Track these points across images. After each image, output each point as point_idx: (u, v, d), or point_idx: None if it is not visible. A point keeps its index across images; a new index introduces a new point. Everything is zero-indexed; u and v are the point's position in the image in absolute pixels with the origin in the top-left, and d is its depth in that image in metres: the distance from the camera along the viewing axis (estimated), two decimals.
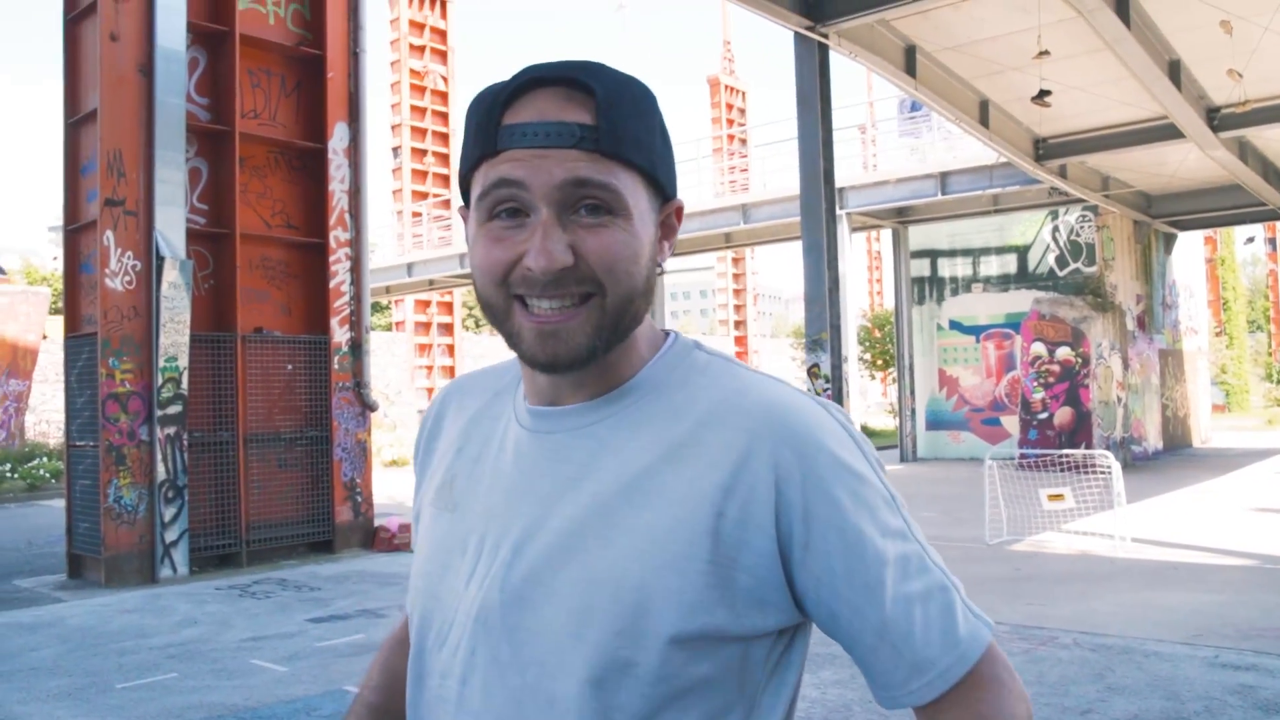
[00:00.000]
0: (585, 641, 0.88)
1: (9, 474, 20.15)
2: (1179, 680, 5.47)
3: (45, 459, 21.53)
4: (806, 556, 0.89)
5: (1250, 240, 48.63)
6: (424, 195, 34.62)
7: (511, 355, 1.00)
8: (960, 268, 22.43)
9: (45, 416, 27.14)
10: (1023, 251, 21.54)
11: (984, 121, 15.47)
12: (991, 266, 22.02)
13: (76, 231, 10.15)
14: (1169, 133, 15.63)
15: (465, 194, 0.97)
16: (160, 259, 9.56)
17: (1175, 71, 13.50)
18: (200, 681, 5.84)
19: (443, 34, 35.77)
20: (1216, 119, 15.25)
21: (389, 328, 39.73)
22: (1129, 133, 16.41)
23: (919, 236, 22.99)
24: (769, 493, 0.89)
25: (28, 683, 5.96)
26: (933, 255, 22.81)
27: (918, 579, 0.92)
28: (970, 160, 20.17)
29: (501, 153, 0.90)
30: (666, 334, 1.02)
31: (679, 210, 0.99)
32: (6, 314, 24.15)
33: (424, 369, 35.03)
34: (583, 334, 0.90)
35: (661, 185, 0.95)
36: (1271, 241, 55.58)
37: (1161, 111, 14.64)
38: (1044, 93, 12.27)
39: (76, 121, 10.15)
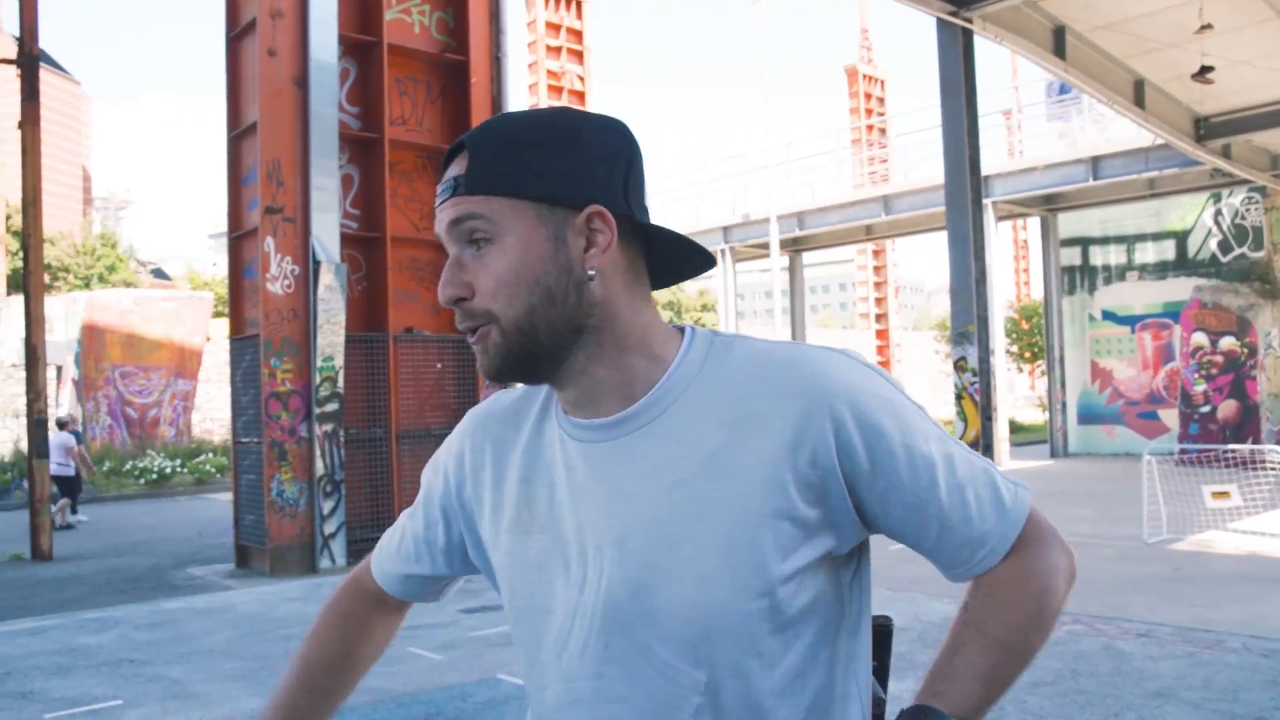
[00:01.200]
0: (713, 603, 1.00)
1: (179, 469, 21.36)
2: None
3: (210, 455, 22.75)
4: (874, 482, 1.03)
5: None
6: None
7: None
8: (1114, 255, 21.55)
9: (209, 414, 28.63)
10: (1182, 237, 20.56)
11: (1139, 102, 14.83)
12: (1148, 253, 21.08)
13: (239, 239, 10.69)
14: None
15: None
16: (317, 263, 9.99)
17: None
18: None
19: (578, 34, 36.25)
20: None
21: None
22: None
23: (1069, 224, 22.18)
24: (829, 440, 1.01)
25: (206, 664, 6.32)
26: (1084, 243, 21.98)
27: (962, 469, 1.06)
28: (1124, 143, 19.35)
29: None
30: (681, 329, 1.12)
31: (598, 213, 1.03)
32: (174, 319, 25.57)
33: None
34: (493, 346, 1.04)
35: (560, 200, 1.03)
36: None
37: None
38: (1206, 69, 11.71)
39: (238, 134, 10.69)
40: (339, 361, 10.14)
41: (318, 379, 10.00)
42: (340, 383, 10.15)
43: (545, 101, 35.13)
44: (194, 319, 26.05)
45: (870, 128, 37.14)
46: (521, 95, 36.08)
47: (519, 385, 1.19)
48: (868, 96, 40.45)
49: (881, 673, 1.69)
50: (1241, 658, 5.78)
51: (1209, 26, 11.45)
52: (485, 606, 7.84)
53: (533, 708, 1.14)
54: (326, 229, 10.15)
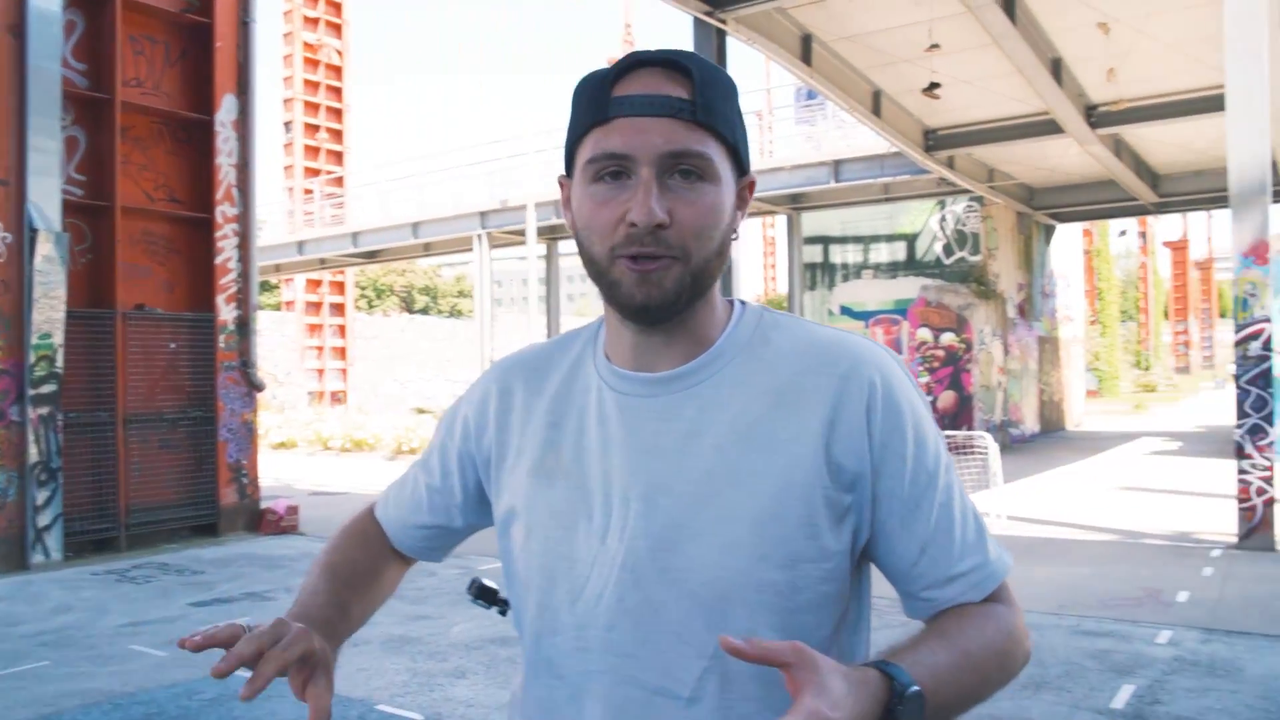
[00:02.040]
0: (733, 569, 1.01)
1: None
2: (1044, 647, 5.74)
3: None
4: (878, 480, 1.04)
5: (1123, 233, 50.75)
6: (316, 172, 33.86)
7: (536, 340, 1.14)
8: (851, 254, 22.90)
9: None
10: (911, 240, 22.09)
11: (876, 111, 15.80)
12: (881, 254, 22.53)
13: None
14: (1050, 128, 16.19)
15: (569, 163, 1.09)
16: (34, 231, 9.17)
17: (1057, 69, 14.00)
18: (75, 669, 5.66)
19: (338, 6, 34.99)
20: (1094, 116, 15.85)
21: (278, 307, 38.82)
22: (1013, 126, 16.94)
23: (812, 223, 23.39)
24: (862, 425, 1.03)
25: None
26: (825, 242, 23.23)
27: (958, 503, 1.07)
28: (863, 149, 20.57)
29: (612, 120, 1.02)
30: (732, 302, 1.15)
31: (751, 185, 1.11)
32: None
33: (314, 349, 34.34)
34: (672, 280, 1.02)
35: (742, 160, 1.08)
36: (1142, 235, 58.10)
37: (1044, 107, 15.16)
38: (934, 85, 12.62)
39: None
40: (58, 339, 9.35)
41: (32, 358, 9.19)
42: (59, 362, 9.37)
43: (300, 79, 33.66)
44: None
45: None
46: (274, 65, 34.47)
47: (537, 343, 1.24)
48: None
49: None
50: None
51: (937, 46, 12.35)
52: (217, 599, 7.48)
53: (536, 649, 1.11)
54: (46, 195, 9.32)
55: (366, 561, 1.29)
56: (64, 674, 5.55)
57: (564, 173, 1.12)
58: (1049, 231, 24.60)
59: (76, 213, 9.87)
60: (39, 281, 9.17)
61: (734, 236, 1.08)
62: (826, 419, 1.03)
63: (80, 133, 10.06)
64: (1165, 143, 18.53)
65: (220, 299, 10.89)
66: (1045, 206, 22.92)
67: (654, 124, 1.01)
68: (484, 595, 1.94)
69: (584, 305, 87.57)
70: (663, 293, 1.02)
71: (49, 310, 9.27)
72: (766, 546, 1.01)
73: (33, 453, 9.20)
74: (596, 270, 1.06)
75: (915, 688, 0.92)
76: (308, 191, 33.51)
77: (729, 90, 1.06)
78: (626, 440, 1.07)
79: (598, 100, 1.04)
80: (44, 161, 9.31)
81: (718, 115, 1.03)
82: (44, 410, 9.27)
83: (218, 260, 10.88)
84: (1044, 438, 23.26)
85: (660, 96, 1.02)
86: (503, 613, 1.94)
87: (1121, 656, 5.54)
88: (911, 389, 1.08)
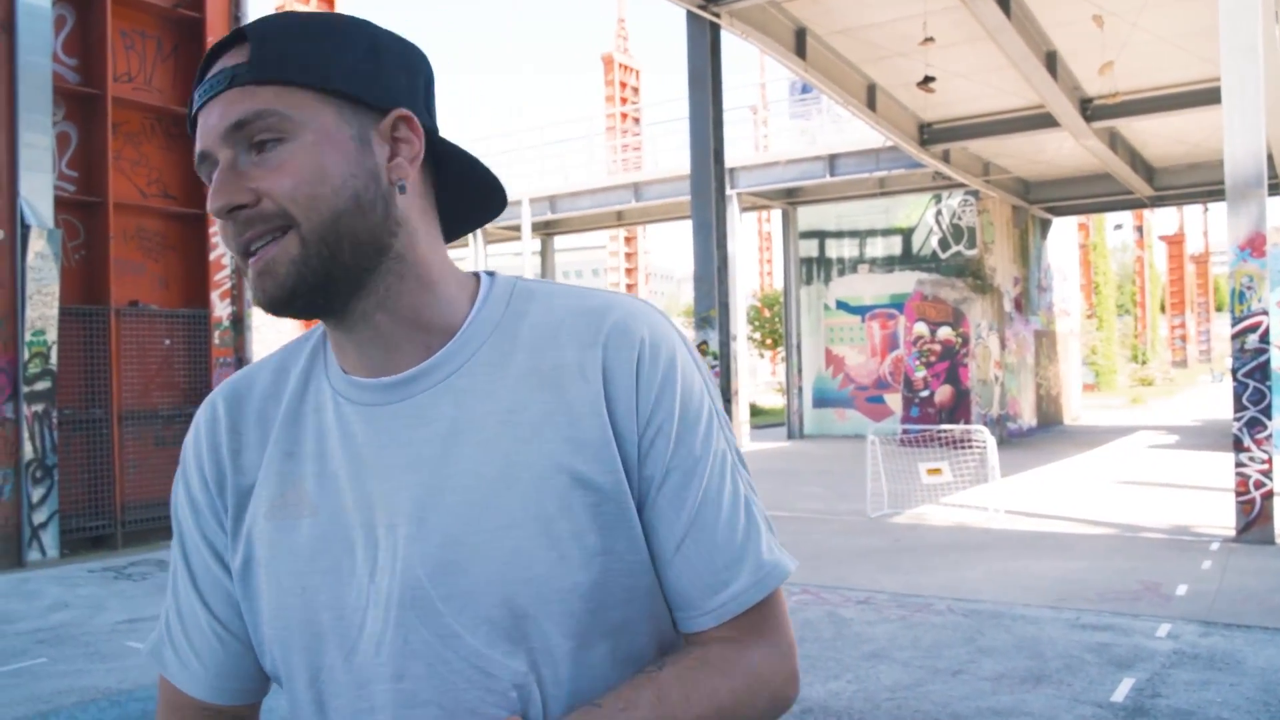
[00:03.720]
0: (529, 582, 0.87)
1: None
2: (1043, 641, 5.73)
3: None
4: (642, 462, 0.92)
5: (1119, 227, 50.80)
6: None
7: (276, 346, 0.96)
8: (847, 249, 22.90)
9: None
10: (907, 234, 22.09)
11: (871, 105, 15.79)
12: (877, 248, 22.53)
13: None
14: (1046, 121, 16.19)
15: None
16: (26, 227, 9.13)
17: (1052, 62, 13.98)
18: (72, 665, 5.64)
19: (330, 3, 34.86)
20: (1089, 109, 15.84)
21: None
22: (1009, 120, 16.94)
23: (808, 217, 23.38)
24: (630, 398, 0.91)
25: None
26: (821, 236, 23.22)
27: (729, 494, 0.94)
28: (858, 143, 20.56)
29: (196, 120, 0.91)
30: (477, 275, 1.00)
31: (405, 118, 0.91)
32: None
33: None
34: (286, 265, 0.87)
35: (362, 100, 0.90)
36: (1139, 229, 58.18)
37: (1039, 101, 15.14)
38: (928, 79, 12.59)
39: None
40: (51, 336, 9.32)
41: (26, 355, 9.16)
42: (53, 359, 9.33)
43: None
44: None
45: (624, 115, 37.79)
46: None
47: (258, 359, 1.03)
48: (623, 85, 41.15)
49: None
50: (945, 618, 6.30)
51: (931, 39, 12.32)
52: None
53: (318, 713, 0.93)
54: (38, 191, 9.28)
55: None
56: (61, 671, 5.52)
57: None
58: (1045, 225, 24.60)
59: (69, 209, 9.83)
60: (32, 278, 9.13)
61: (399, 184, 0.91)
62: (597, 393, 0.90)
63: (72, 128, 10.02)
64: (1161, 136, 18.53)
65: (215, 295, 10.85)
66: (1041, 200, 22.92)
67: (215, 105, 0.88)
68: None
69: None
70: (278, 279, 0.87)
71: (42, 307, 9.23)
72: (562, 547, 0.88)
73: (28, 450, 9.16)
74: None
75: None
76: None
77: (316, 29, 0.89)
78: (380, 457, 0.91)
79: (189, 105, 0.93)
80: (35, 157, 9.27)
81: (288, 63, 0.87)
82: (39, 407, 9.23)
83: (212, 256, 10.84)
84: (1041, 432, 23.28)
85: (213, 77, 0.89)
86: None
87: (1121, 650, 5.53)
88: (688, 359, 0.95)
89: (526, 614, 0.88)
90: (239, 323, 11.08)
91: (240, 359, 11.02)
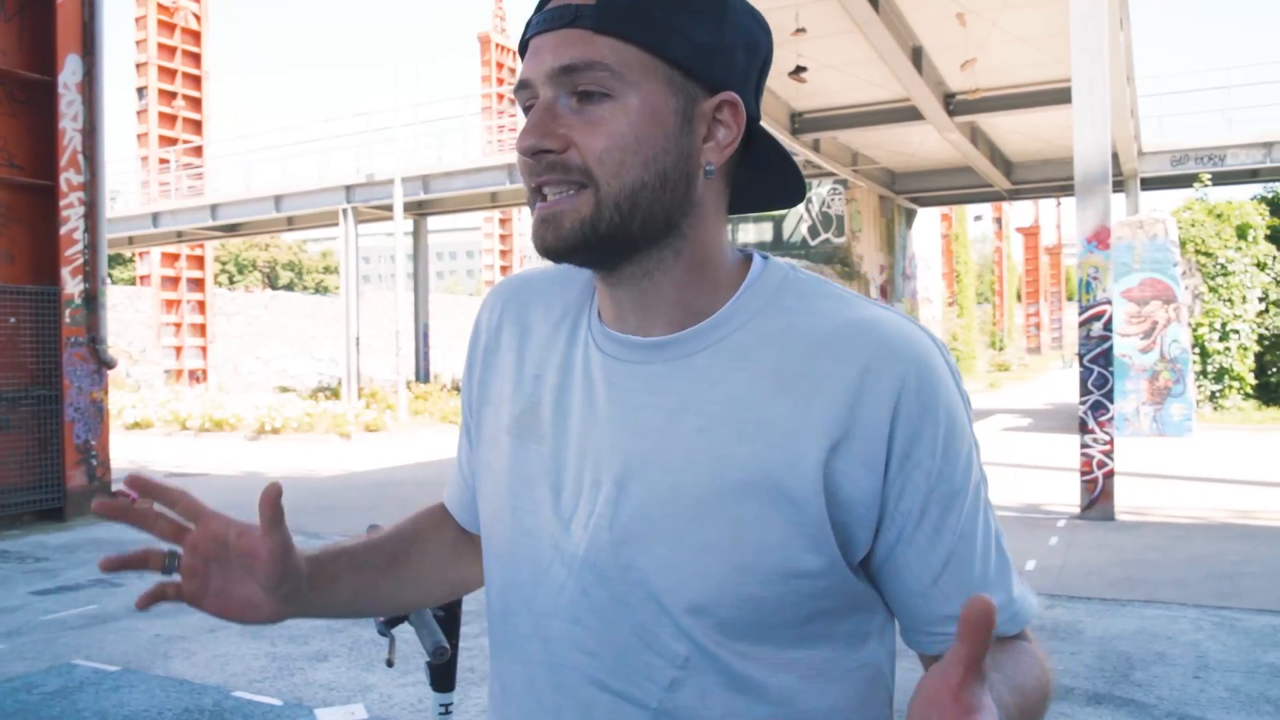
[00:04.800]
0: (706, 578, 0.87)
1: None
2: None
3: None
4: (893, 496, 0.88)
5: (979, 219, 52.80)
6: (173, 141, 32.41)
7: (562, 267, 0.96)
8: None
9: None
10: (779, 221, 22.51)
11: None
12: (749, 234, 22.89)
13: None
14: (912, 114, 16.71)
15: None
16: None
17: (918, 57, 14.43)
18: None
19: None
20: (952, 104, 16.42)
21: (133, 282, 37.20)
22: (876, 112, 17.43)
23: None
24: (882, 429, 0.86)
25: None
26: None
27: (983, 532, 0.92)
28: None
29: (527, 44, 0.90)
30: (750, 255, 0.98)
31: (731, 103, 0.90)
32: None
33: (172, 326, 32.99)
34: (572, 219, 0.87)
35: (695, 74, 0.88)
36: (998, 221, 60.55)
37: (905, 94, 15.62)
38: (800, 69, 12.85)
39: None
40: None
41: None
42: None
43: (154, 42, 32.13)
44: None
45: (501, 96, 37.39)
46: (125, 26, 32.82)
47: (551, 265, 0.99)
48: (499, 65, 40.71)
49: (447, 622, 1.76)
50: None
51: (803, 30, 12.58)
52: (62, 587, 7.15)
53: (501, 626, 1.00)
54: None
55: (405, 531, 1.14)
56: None
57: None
58: (910, 215, 25.41)
59: None
60: None
61: (707, 169, 0.90)
62: (838, 417, 0.86)
63: None
64: (1018, 132, 19.33)
65: (65, 271, 10.34)
66: (906, 191, 23.67)
67: (548, 39, 0.87)
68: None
69: (453, 283, 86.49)
70: (562, 231, 0.88)
71: None
72: (747, 556, 0.86)
73: None
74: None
75: None
76: (163, 161, 32.08)
77: None
78: (609, 409, 0.92)
79: (525, 26, 0.91)
80: None
81: (633, 18, 0.84)
82: None
83: (63, 230, 10.33)
84: None
85: (559, 8, 0.87)
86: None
87: None
88: (952, 389, 0.90)
89: (695, 609, 0.87)
90: (92, 300, 10.59)
91: (93, 338, 10.54)
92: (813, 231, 22.00)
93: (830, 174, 20.90)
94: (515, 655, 0.98)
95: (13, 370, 9.95)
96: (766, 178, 0.98)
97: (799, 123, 18.03)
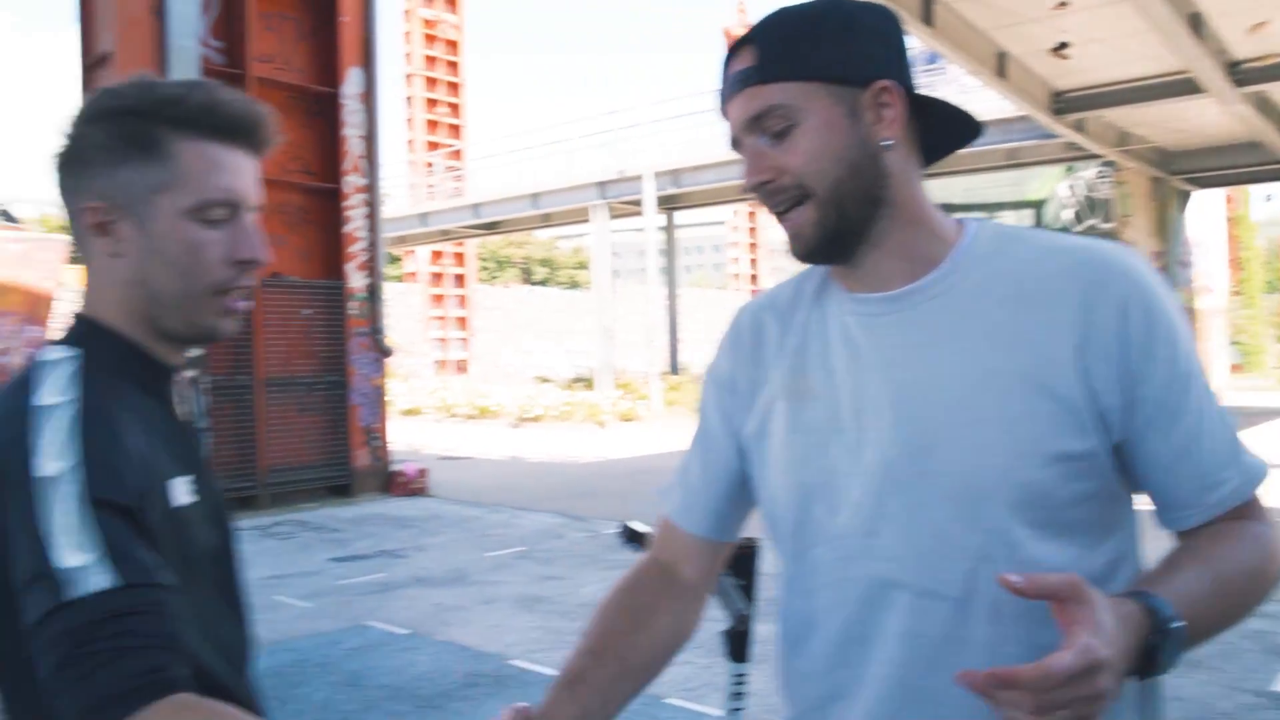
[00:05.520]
0: (990, 470, 1.02)
1: None
2: None
3: None
4: (1133, 385, 1.03)
5: (1269, 198, 48.19)
6: (436, 146, 34.52)
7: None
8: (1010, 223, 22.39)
9: None
10: (1039, 207, 21.46)
11: (1001, 74, 15.32)
12: (1007, 222, 21.92)
13: None
14: (1188, 87, 15.47)
15: None
16: None
17: (1196, 24, 13.33)
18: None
19: None
20: (1237, 73, 15.07)
21: (402, 279, 39.80)
22: (1148, 87, 16.24)
23: (936, 191, 22.57)
24: (1114, 328, 1.02)
25: None
26: (947, 210, 22.52)
27: (1212, 406, 1.06)
28: (987, 114, 20.00)
29: (725, 109, 1.13)
30: (961, 222, 1.16)
31: (885, 89, 1.08)
32: (22, 261, 24.14)
33: (438, 320, 35.13)
34: (809, 227, 1.09)
35: (846, 80, 1.07)
36: None
37: (1181, 65, 14.48)
38: (1062, 45, 12.19)
39: (91, 65, 10.16)
40: None
41: None
42: None
43: (419, 54, 34.33)
44: (45, 262, 24.62)
45: None
46: (395, 41, 35.16)
47: (776, 283, 1.25)
48: None
49: (746, 590, 1.80)
50: None
51: (1065, 3, 11.92)
52: (353, 556, 7.77)
53: (797, 565, 1.14)
54: None
55: (619, 624, 1.23)
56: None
57: None
58: (1185, 198, 23.55)
59: None
60: None
61: (884, 144, 1.08)
62: (1076, 320, 1.03)
63: None
64: None
65: (350, 267, 11.24)
66: (1182, 171, 21.94)
67: (734, 103, 1.10)
68: (634, 539, 1.99)
69: (700, 277, 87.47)
70: (805, 237, 1.09)
71: None
72: (1022, 445, 1.01)
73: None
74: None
75: (1178, 623, 0.93)
76: (429, 165, 34.21)
77: (796, 26, 1.08)
78: (872, 355, 1.10)
79: (720, 97, 1.15)
80: None
81: (785, 61, 1.07)
82: (191, 374, 9.72)
83: (347, 229, 11.22)
84: None
85: (732, 76, 1.10)
86: None
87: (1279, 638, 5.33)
88: (1164, 293, 1.06)
89: (983, 498, 1.02)
90: (373, 294, 11.45)
91: (375, 328, 11.39)
92: (1077, 217, 20.81)
93: (1096, 156, 19.69)
94: (816, 584, 1.12)
95: (307, 358, 10.90)
96: (946, 128, 1.16)
97: (1061, 103, 17.08)
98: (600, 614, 1.24)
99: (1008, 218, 21.82)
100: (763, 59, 1.07)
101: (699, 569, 1.28)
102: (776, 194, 1.09)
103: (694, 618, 1.28)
